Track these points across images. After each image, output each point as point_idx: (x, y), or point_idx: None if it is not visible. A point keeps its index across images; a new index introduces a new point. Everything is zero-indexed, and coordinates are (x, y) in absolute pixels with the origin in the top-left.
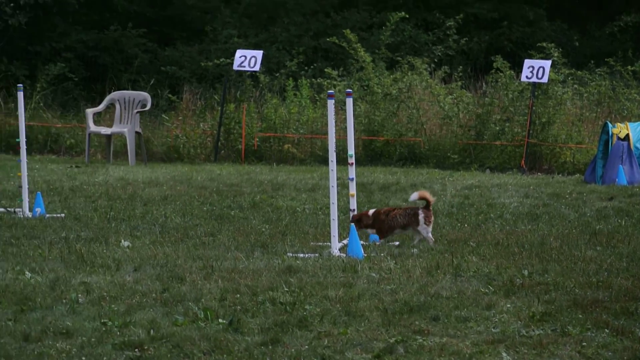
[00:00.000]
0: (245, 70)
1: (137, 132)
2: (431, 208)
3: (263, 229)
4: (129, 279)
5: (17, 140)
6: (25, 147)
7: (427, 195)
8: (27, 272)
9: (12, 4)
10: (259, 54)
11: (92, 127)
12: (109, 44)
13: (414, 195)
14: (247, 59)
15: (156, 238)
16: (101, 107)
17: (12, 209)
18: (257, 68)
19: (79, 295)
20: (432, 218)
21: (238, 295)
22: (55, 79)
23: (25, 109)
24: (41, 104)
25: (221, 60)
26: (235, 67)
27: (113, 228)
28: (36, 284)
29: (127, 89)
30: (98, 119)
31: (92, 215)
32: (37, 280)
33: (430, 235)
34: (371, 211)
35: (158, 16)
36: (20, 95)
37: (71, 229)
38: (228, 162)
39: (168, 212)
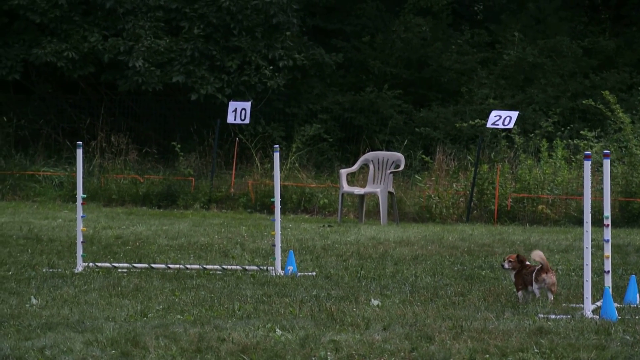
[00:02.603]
0: (498, 128)
1: (389, 192)
2: (545, 268)
3: (514, 290)
4: (378, 338)
5: (272, 200)
6: (279, 206)
7: (537, 257)
8: (277, 330)
9: (271, 67)
10: (514, 114)
11: (346, 187)
12: (364, 105)
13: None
14: (502, 118)
15: (406, 297)
16: (355, 167)
17: (265, 267)
18: (510, 126)
19: (328, 353)
20: (544, 276)
21: (487, 356)
22: (311, 140)
23: (281, 169)
24: (296, 164)
25: (476, 121)
26: (488, 125)
27: (363, 287)
28: (286, 342)
29: (381, 150)
30: (351, 179)
31: (343, 274)
32: (287, 338)
33: (536, 291)
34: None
35: (414, 78)
36: (277, 156)
37: (322, 287)
38: (480, 223)
39: (418, 271)
